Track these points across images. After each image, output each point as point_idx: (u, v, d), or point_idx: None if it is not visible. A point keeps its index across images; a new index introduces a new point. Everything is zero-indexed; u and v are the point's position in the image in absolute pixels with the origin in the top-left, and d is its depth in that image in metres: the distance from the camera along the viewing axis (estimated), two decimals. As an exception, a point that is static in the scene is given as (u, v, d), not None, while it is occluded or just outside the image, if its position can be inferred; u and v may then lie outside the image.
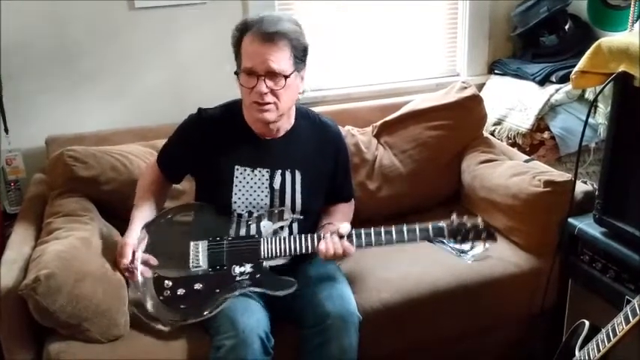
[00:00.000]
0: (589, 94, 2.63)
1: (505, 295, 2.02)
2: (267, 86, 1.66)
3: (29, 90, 2.39)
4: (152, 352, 1.69)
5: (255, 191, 1.79)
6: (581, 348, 1.54)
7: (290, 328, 1.76)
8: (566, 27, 2.79)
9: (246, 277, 1.70)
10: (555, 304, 2.05)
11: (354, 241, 1.70)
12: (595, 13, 2.73)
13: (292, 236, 1.73)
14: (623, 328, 1.37)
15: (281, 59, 1.66)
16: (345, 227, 1.71)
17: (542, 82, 2.70)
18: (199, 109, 1.85)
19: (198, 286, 1.70)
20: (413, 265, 2.00)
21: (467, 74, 3.00)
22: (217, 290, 1.69)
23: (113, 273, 1.77)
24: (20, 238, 1.89)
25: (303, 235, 1.72)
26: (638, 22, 2.28)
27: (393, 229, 1.72)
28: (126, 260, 1.69)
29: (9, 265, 1.72)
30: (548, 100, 2.63)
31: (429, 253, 2.08)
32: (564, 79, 2.63)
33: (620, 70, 1.65)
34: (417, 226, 1.72)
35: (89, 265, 1.71)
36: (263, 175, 1.79)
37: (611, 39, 1.73)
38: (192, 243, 1.74)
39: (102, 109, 2.50)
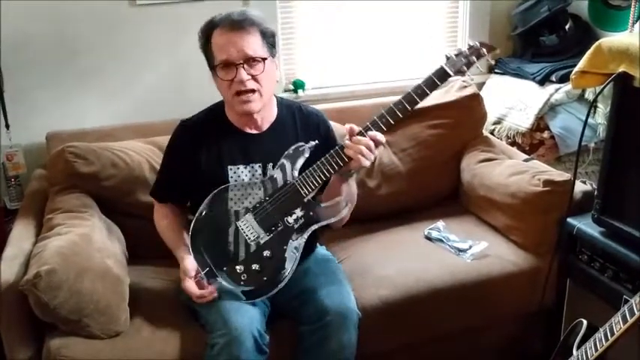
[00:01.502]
0: (589, 94, 2.64)
1: (503, 294, 2.02)
2: (247, 73, 1.66)
3: (30, 86, 2.39)
4: (152, 348, 1.69)
5: (251, 187, 1.75)
6: (578, 347, 1.55)
7: (288, 325, 1.77)
8: (567, 27, 2.79)
9: (302, 220, 1.69)
10: (553, 303, 2.05)
11: (373, 128, 1.62)
12: (596, 13, 2.73)
13: (319, 163, 1.67)
14: (620, 328, 1.37)
15: (254, 43, 1.67)
16: (353, 127, 1.63)
17: (542, 81, 2.71)
18: (180, 121, 1.84)
19: (266, 253, 1.69)
20: (412, 262, 2.01)
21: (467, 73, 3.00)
22: (284, 247, 1.69)
23: (113, 269, 1.78)
24: (21, 234, 1.90)
25: (327, 156, 1.65)
26: (638, 22, 2.28)
27: (400, 97, 1.63)
28: (200, 293, 1.68)
29: (9, 260, 1.73)
30: (548, 99, 2.63)
31: (429, 252, 2.09)
32: (564, 79, 2.63)
33: (620, 70, 1.65)
34: (419, 83, 1.64)
35: (89, 261, 1.72)
36: (257, 171, 1.78)
37: (611, 39, 1.73)
38: (239, 223, 1.72)
39: (103, 105, 2.50)
